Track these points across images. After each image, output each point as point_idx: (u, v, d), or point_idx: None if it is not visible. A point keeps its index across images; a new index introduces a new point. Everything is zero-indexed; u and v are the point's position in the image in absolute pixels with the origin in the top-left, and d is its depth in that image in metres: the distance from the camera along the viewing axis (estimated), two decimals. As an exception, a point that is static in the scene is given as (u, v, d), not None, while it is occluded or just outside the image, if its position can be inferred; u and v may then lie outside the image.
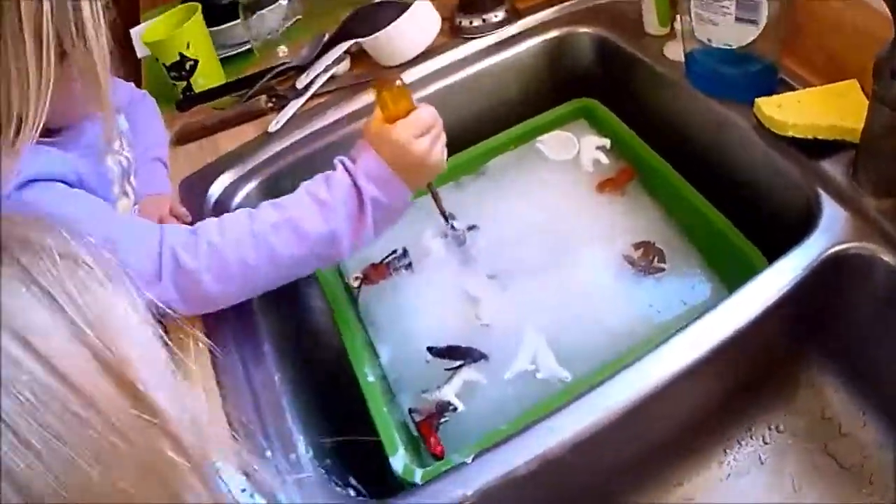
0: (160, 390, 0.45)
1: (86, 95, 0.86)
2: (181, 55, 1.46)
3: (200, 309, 0.97)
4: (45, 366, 0.39)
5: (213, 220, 0.96)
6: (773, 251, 0.92)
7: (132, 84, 1.31)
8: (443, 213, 1.11)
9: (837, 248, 0.88)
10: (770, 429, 0.99)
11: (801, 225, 0.92)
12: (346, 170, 0.96)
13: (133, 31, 1.68)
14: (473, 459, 0.80)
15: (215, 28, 1.58)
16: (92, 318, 0.42)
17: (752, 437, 0.99)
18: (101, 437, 0.40)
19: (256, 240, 0.92)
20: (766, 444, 0.98)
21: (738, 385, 0.95)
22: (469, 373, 1.00)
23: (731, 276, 0.99)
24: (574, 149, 1.25)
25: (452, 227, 1.14)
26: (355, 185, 0.95)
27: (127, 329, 0.45)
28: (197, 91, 1.50)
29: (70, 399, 0.39)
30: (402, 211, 0.99)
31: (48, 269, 0.42)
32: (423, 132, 0.97)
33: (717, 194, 1.07)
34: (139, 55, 1.71)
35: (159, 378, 0.46)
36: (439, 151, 0.99)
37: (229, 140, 1.36)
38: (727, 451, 0.98)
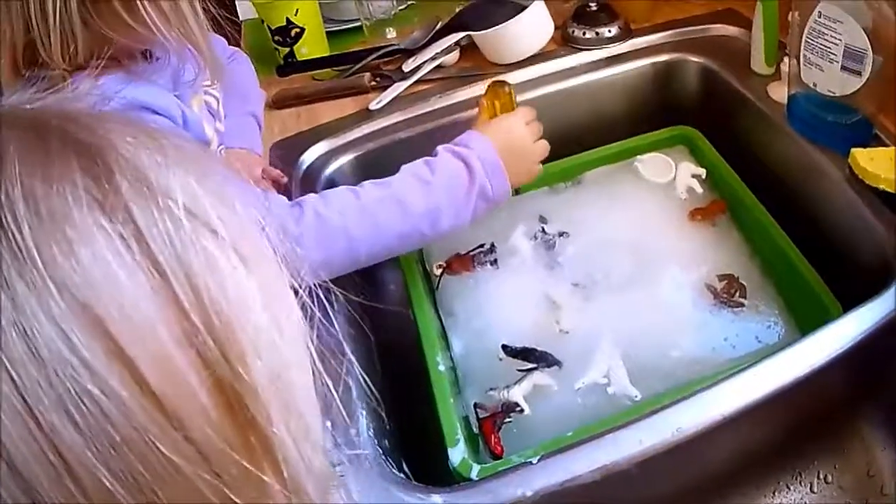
0: (288, 430, 0.34)
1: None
2: (288, 20, 1.48)
3: None
4: (123, 367, 0.28)
5: (314, 194, 0.98)
6: (847, 297, 0.95)
7: (224, 41, 1.25)
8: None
9: (908, 307, 0.88)
10: (819, 478, 0.99)
11: (877, 277, 0.93)
12: (455, 154, 0.99)
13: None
14: (539, 460, 0.80)
15: (327, 1, 1.60)
16: (212, 313, 0.31)
17: (801, 484, 0.99)
18: (189, 482, 0.30)
19: (361, 212, 0.95)
20: (812, 492, 0.99)
21: (795, 429, 0.95)
22: (540, 377, 1.00)
23: (806, 321, 1.00)
24: (670, 173, 1.26)
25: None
26: (467, 166, 0.98)
27: (260, 338, 0.33)
28: (298, 60, 1.52)
29: (153, 422, 0.28)
30: (496, 207, 1.03)
31: (164, 230, 0.31)
32: (530, 121, 1.06)
33: (800, 234, 1.09)
34: (241, 17, 1.72)
35: (293, 412, 0.35)
36: (543, 141, 1.08)
37: (326, 112, 1.38)
38: (776, 492, 0.99)
